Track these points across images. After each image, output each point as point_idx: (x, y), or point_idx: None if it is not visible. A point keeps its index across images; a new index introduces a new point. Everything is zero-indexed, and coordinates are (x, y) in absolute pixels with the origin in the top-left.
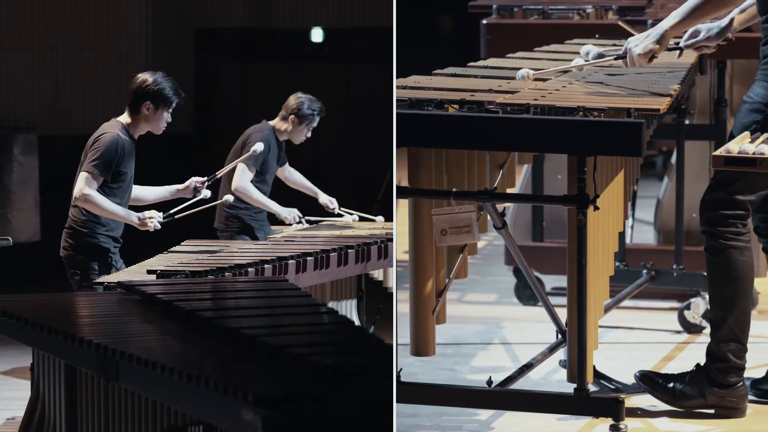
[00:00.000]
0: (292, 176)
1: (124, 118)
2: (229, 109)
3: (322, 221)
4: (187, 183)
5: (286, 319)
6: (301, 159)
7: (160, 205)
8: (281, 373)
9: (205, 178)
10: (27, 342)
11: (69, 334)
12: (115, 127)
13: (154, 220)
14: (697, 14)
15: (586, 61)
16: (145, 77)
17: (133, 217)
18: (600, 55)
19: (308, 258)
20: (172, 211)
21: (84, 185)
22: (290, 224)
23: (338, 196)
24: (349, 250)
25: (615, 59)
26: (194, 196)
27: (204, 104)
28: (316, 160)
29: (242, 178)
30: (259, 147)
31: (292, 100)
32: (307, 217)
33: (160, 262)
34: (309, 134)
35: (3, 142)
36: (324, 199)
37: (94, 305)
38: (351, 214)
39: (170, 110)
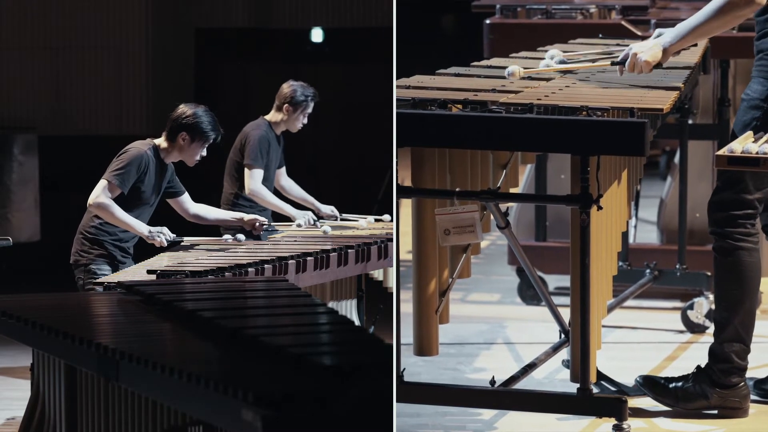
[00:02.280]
0: (290, 187)
1: (160, 141)
2: (229, 109)
3: (337, 225)
4: (251, 217)
5: (286, 319)
6: (301, 159)
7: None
8: (281, 373)
9: (267, 224)
10: (27, 342)
11: (69, 334)
12: (145, 145)
13: (163, 236)
14: (695, 35)
15: (549, 66)
16: (185, 109)
17: (144, 230)
18: (562, 61)
19: (308, 258)
20: (180, 239)
21: (100, 192)
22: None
23: (338, 196)
24: (349, 250)
25: (612, 65)
26: (251, 231)
27: (204, 104)
28: (316, 160)
29: (254, 181)
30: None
31: (285, 88)
32: (321, 221)
33: (160, 262)
34: (305, 121)
35: (3, 142)
36: (325, 210)
37: (94, 305)
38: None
39: (206, 145)
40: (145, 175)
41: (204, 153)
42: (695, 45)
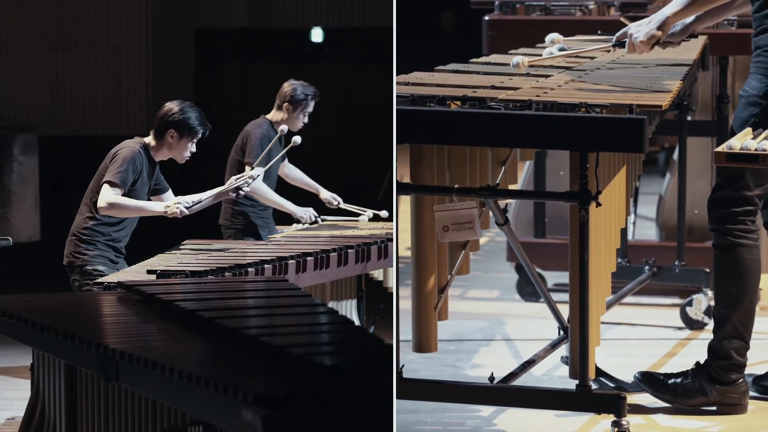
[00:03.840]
0: (292, 173)
1: (149, 139)
2: (229, 109)
3: (338, 220)
4: (228, 184)
5: (286, 319)
6: (300, 158)
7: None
8: (281, 373)
9: (251, 176)
10: (27, 342)
11: (69, 334)
12: (136, 144)
13: (180, 205)
14: (699, 2)
15: (552, 53)
16: (172, 106)
17: (160, 207)
18: (562, 48)
19: (308, 258)
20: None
21: (108, 193)
22: (305, 224)
23: (338, 195)
24: (349, 250)
25: (613, 46)
26: (236, 195)
27: (204, 104)
28: (316, 160)
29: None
30: (297, 139)
31: (285, 87)
32: (322, 216)
33: (160, 262)
34: (306, 120)
35: (3, 142)
36: (326, 195)
37: (94, 305)
38: (359, 213)
39: (195, 140)
40: (140, 174)
41: (193, 149)
42: (695, 36)
